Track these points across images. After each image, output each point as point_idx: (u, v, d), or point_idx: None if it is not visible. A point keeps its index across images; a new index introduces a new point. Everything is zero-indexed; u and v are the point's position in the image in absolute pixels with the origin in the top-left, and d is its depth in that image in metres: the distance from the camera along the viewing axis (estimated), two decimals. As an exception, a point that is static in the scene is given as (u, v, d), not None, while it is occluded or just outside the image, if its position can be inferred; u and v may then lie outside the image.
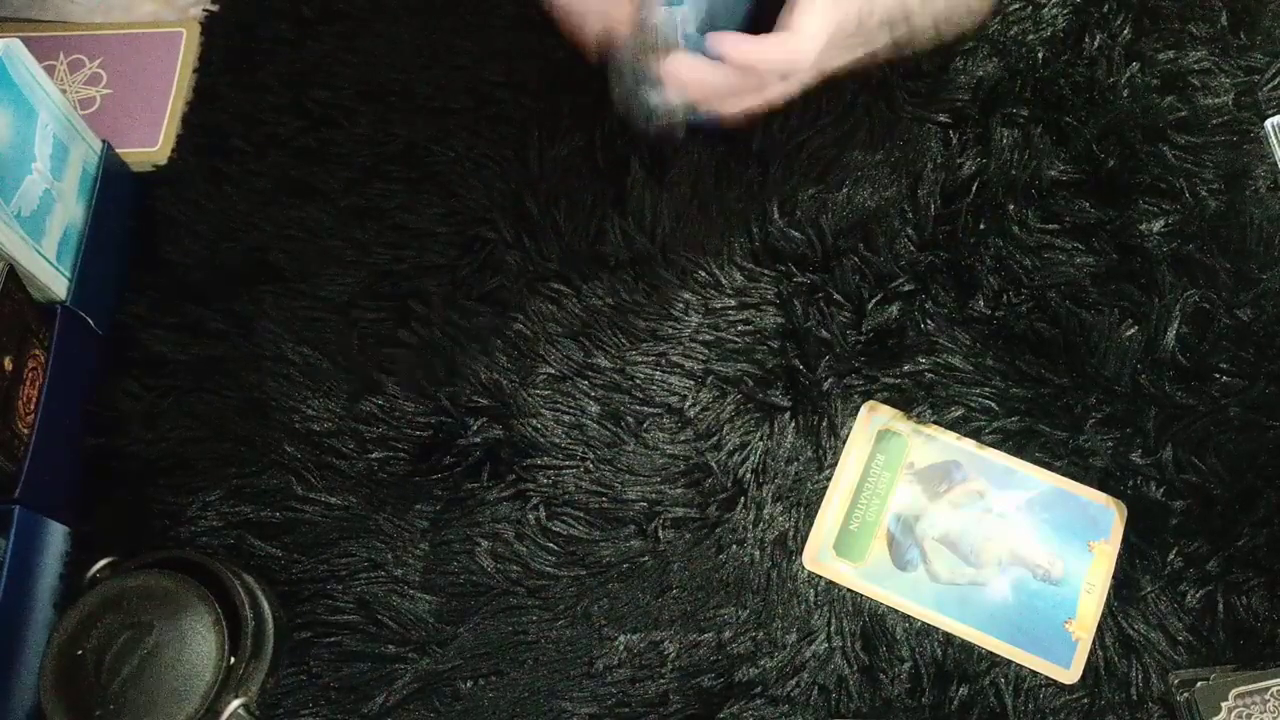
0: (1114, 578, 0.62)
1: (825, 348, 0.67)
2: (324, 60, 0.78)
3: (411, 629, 0.62)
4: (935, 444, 0.65)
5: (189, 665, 0.54)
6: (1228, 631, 0.60)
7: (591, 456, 0.65)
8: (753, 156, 0.72)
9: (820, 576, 0.63)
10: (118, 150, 0.73)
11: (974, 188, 0.71)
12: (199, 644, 0.55)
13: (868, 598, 0.62)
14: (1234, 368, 0.65)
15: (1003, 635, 0.61)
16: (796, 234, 0.70)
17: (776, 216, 0.70)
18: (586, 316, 0.68)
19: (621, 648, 0.61)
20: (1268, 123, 0.72)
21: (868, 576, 0.62)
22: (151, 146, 0.76)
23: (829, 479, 0.65)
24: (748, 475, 0.64)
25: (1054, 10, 0.76)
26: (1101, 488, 0.64)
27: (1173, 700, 0.59)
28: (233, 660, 0.56)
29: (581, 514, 0.64)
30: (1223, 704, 0.57)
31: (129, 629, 0.55)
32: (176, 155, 0.76)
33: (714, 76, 0.58)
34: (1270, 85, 0.73)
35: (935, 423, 0.66)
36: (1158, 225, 0.69)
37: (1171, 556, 0.62)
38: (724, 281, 0.69)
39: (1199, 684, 0.58)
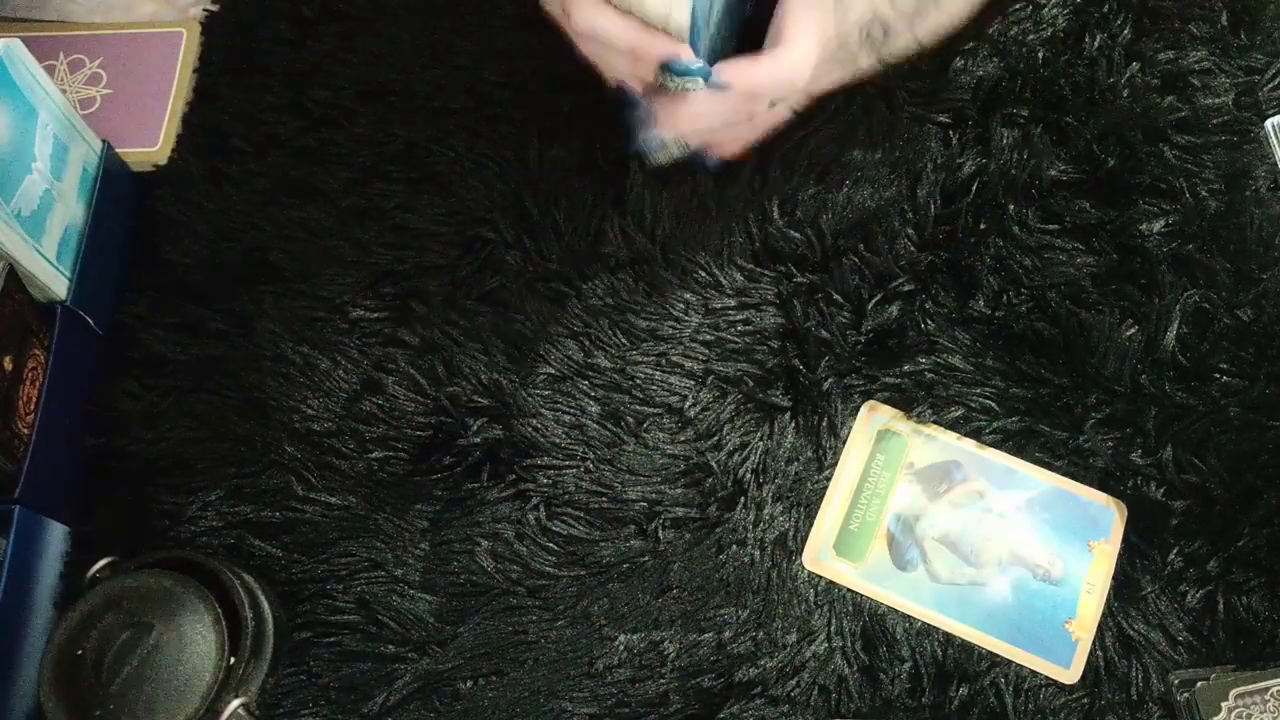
0: (1114, 578, 0.62)
1: (825, 348, 0.67)
2: (324, 60, 0.78)
3: (411, 629, 0.62)
4: (935, 444, 0.65)
5: (189, 665, 0.54)
6: (1228, 631, 0.60)
7: (591, 456, 0.65)
8: (752, 157, 0.72)
9: (820, 576, 0.63)
10: (118, 150, 0.73)
11: (974, 188, 0.70)
12: (199, 644, 0.55)
13: (868, 598, 0.62)
14: (1234, 368, 0.65)
15: (1003, 635, 0.61)
16: (796, 234, 0.70)
17: (776, 216, 0.70)
18: (586, 316, 0.68)
19: (621, 648, 0.61)
20: (1268, 123, 0.72)
21: (868, 576, 0.62)
22: (151, 146, 0.76)
23: (829, 479, 0.65)
24: (748, 475, 0.64)
25: (1054, 10, 0.76)
26: (1101, 488, 0.64)
27: (1173, 700, 0.59)
28: (233, 660, 0.56)
29: (581, 514, 0.64)
30: (1223, 704, 0.57)
31: (129, 629, 0.55)
32: (176, 155, 0.76)
33: (710, 108, 0.59)
34: (1270, 85, 0.73)
35: (935, 423, 0.66)
36: (1158, 225, 0.69)
37: (1171, 556, 0.62)
38: (724, 281, 0.69)
39: (1199, 684, 0.58)
